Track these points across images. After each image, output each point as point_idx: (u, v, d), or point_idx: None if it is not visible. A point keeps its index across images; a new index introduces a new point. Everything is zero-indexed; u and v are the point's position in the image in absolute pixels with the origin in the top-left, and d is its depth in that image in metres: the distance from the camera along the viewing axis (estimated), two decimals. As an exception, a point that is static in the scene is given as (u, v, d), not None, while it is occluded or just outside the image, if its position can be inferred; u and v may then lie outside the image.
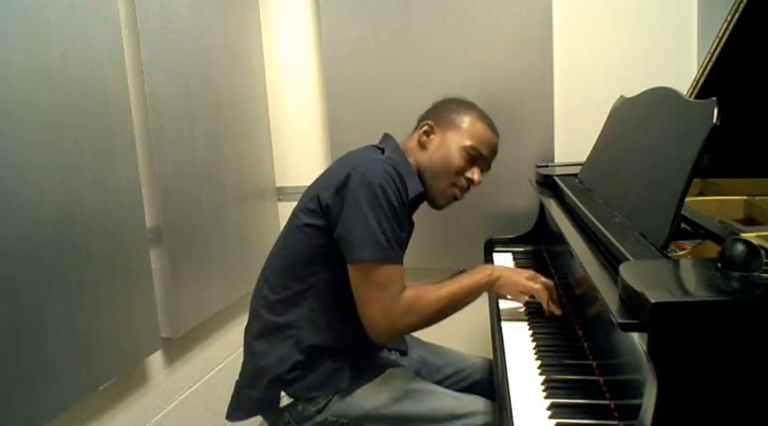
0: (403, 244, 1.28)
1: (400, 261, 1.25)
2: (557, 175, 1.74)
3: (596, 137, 1.64)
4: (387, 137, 1.46)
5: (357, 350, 1.35)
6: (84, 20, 1.38)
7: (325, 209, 1.27)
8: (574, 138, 2.10)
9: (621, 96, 1.62)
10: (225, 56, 2.01)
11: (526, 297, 1.39)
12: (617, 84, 1.76)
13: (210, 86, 1.92)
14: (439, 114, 1.46)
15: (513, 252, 1.89)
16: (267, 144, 2.32)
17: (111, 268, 1.45)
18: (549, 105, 2.08)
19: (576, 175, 1.66)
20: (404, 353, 1.53)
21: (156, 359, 1.72)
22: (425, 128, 1.45)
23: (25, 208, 1.23)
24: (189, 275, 1.78)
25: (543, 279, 1.37)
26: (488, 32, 2.08)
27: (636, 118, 1.41)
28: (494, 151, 1.47)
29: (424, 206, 1.47)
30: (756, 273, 0.77)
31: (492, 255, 1.88)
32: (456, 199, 1.46)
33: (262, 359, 1.33)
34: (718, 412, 0.74)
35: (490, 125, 1.47)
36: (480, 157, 1.43)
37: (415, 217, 1.49)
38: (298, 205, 1.37)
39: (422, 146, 1.44)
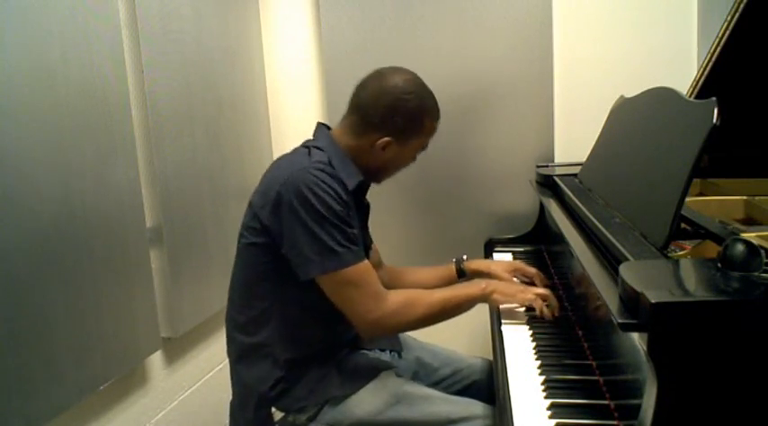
0: (357, 239, 1.25)
1: (362, 257, 1.24)
2: (557, 175, 1.74)
3: (596, 137, 1.64)
4: (319, 127, 1.40)
5: (341, 354, 1.34)
6: (84, 20, 1.38)
7: (266, 229, 1.25)
8: (574, 138, 2.10)
9: (621, 96, 1.62)
10: (225, 56, 2.01)
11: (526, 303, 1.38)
12: (617, 84, 1.76)
13: (210, 86, 1.92)
14: (397, 125, 1.31)
15: (513, 252, 1.89)
16: (267, 144, 2.32)
17: (112, 267, 1.45)
18: (549, 105, 2.08)
19: (576, 175, 1.66)
20: (399, 354, 1.52)
21: (156, 359, 1.72)
22: (381, 144, 1.32)
23: (25, 207, 1.22)
24: (189, 275, 1.78)
25: (536, 289, 1.38)
26: (488, 32, 2.08)
27: (636, 118, 1.41)
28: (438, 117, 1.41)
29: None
30: (756, 273, 0.77)
31: (492, 255, 1.88)
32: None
33: (245, 380, 1.32)
34: (717, 412, 0.74)
35: (438, 111, 1.38)
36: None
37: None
38: (243, 222, 1.33)
39: (373, 153, 1.34)
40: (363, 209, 1.44)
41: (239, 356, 1.34)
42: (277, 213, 1.22)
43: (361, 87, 1.35)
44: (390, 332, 1.44)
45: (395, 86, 1.32)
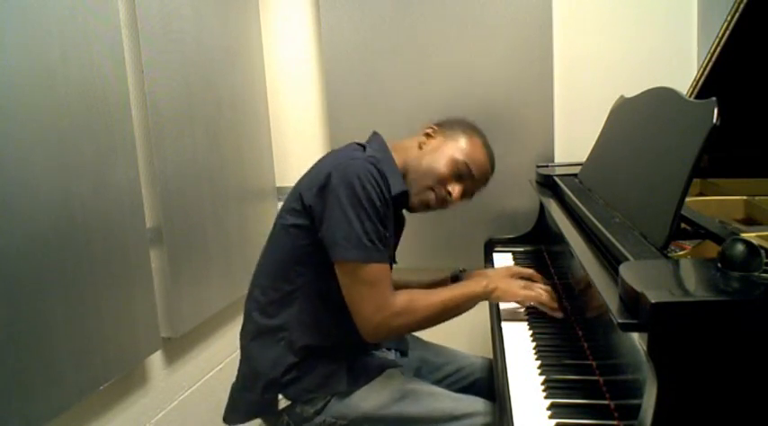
0: (387, 241, 1.27)
1: (386, 259, 1.26)
2: (557, 175, 1.74)
3: (596, 137, 1.64)
4: (374, 135, 1.45)
5: (352, 351, 1.35)
6: (84, 20, 1.38)
7: (308, 210, 1.27)
8: (574, 138, 2.10)
9: (621, 96, 1.62)
10: (225, 56, 2.01)
11: (529, 302, 1.38)
12: (617, 84, 1.76)
13: (210, 86, 1.92)
14: (446, 124, 1.45)
15: (513, 253, 1.89)
16: (267, 144, 2.32)
17: (111, 268, 1.45)
18: (549, 105, 2.08)
19: (576, 175, 1.66)
20: (404, 353, 1.53)
21: (156, 359, 1.72)
22: (428, 130, 1.44)
23: (25, 208, 1.23)
24: (189, 275, 1.78)
25: (539, 285, 1.37)
26: (488, 33, 2.08)
27: (636, 118, 1.41)
28: (483, 179, 1.44)
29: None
30: (756, 273, 0.77)
31: (492, 255, 1.88)
32: (429, 206, 1.41)
33: (256, 361, 1.33)
34: (717, 412, 0.74)
35: (489, 155, 1.45)
36: (468, 177, 1.40)
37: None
38: (283, 206, 1.37)
39: (419, 146, 1.43)
40: (399, 223, 1.46)
41: (254, 336, 1.35)
42: (322, 194, 1.24)
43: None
44: (392, 336, 1.43)
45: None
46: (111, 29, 1.47)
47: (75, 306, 1.34)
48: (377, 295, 1.23)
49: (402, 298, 1.26)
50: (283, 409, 1.31)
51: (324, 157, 1.39)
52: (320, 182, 1.25)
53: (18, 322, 1.21)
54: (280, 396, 1.31)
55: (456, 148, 1.40)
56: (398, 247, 1.50)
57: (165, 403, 1.77)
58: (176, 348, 1.82)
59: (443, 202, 1.41)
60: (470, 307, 1.35)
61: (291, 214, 1.31)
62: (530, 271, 1.52)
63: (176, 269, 1.72)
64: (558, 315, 1.33)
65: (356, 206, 1.21)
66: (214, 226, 1.92)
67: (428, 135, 1.44)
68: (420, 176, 1.39)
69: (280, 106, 2.35)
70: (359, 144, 1.42)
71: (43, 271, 1.26)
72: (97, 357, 1.41)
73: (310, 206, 1.26)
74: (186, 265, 1.77)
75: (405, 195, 1.37)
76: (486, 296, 1.35)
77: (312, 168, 1.37)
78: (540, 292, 1.34)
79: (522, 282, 1.38)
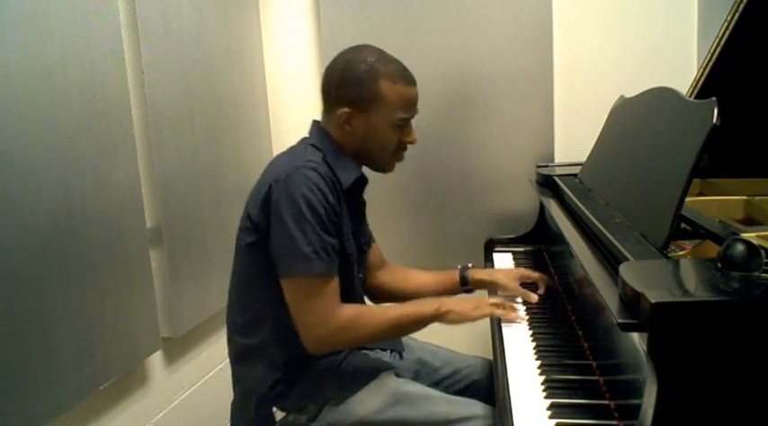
0: (334, 251, 1.23)
1: (332, 270, 1.22)
2: (557, 175, 1.74)
3: (596, 137, 1.64)
4: (314, 124, 1.37)
5: (341, 355, 1.34)
6: (85, 20, 1.38)
7: (256, 226, 1.25)
8: (574, 138, 2.10)
9: (621, 96, 1.62)
10: (225, 56, 2.01)
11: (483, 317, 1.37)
12: (617, 84, 1.76)
13: (210, 86, 1.92)
14: (350, 93, 1.28)
15: (513, 253, 1.89)
16: (267, 144, 2.32)
17: (111, 268, 1.45)
18: (549, 105, 2.08)
19: (576, 175, 1.66)
20: (400, 355, 1.52)
21: (156, 359, 1.72)
22: (344, 118, 1.28)
23: (25, 207, 1.22)
24: (189, 275, 1.78)
25: (489, 300, 1.40)
26: (488, 32, 2.08)
27: (636, 118, 1.41)
28: (417, 101, 1.34)
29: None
30: (756, 273, 0.77)
31: (492, 255, 1.88)
32: (400, 160, 1.39)
33: (245, 381, 1.33)
34: (718, 412, 0.74)
35: (406, 77, 1.31)
36: (410, 118, 1.33)
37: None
38: (239, 224, 1.33)
39: (348, 132, 1.31)
40: (358, 207, 1.43)
41: (238, 357, 1.34)
42: (265, 210, 1.22)
43: (325, 70, 1.35)
44: (337, 348, 1.36)
45: (344, 58, 1.32)
46: (111, 29, 1.47)
47: (75, 305, 1.34)
48: (321, 307, 1.20)
49: (348, 312, 1.23)
50: (279, 421, 1.31)
51: (268, 165, 1.34)
52: (262, 197, 1.22)
53: (18, 321, 1.20)
54: (275, 409, 1.30)
55: (384, 112, 1.28)
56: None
57: (165, 403, 1.76)
58: (176, 348, 1.82)
59: (406, 148, 1.37)
60: (422, 327, 1.32)
61: (244, 232, 1.29)
62: (537, 275, 1.54)
63: (176, 269, 1.72)
64: (514, 315, 1.37)
65: (299, 219, 1.17)
66: (214, 225, 1.92)
67: (347, 121, 1.30)
68: (377, 156, 1.34)
69: (280, 106, 2.35)
70: (302, 142, 1.35)
71: (43, 271, 1.26)
72: (97, 357, 1.41)
73: (257, 223, 1.24)
74: (186, 265, 1.77)
75: (361, 179, 1.33)
76: (438, 318, 1.31)
77: (259, 179, 1.32)
78: (491, 310, 1.35)
79: (475, 301, 1.36)
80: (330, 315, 1.21)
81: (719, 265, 0.80)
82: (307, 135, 1.38)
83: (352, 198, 1.35)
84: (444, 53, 2.11)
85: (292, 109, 2.35)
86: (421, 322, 1.31)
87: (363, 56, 1.30)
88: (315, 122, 1.38)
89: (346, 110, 1.28)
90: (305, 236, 1.17)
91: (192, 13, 1.82)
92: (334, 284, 1.23)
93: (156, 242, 1.66)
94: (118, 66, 1.49)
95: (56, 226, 1.29)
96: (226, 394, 1.41)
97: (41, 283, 1.26)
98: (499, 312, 1.35)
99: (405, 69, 1.33)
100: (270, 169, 1.31)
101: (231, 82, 2.04)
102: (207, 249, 1.88)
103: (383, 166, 1.37)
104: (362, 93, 1.28)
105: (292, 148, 1.36)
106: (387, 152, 1.34)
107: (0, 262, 1.17)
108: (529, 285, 1.54)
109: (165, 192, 1.67)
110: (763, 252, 0.78)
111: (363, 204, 1.45)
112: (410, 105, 1.32)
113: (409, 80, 1.32)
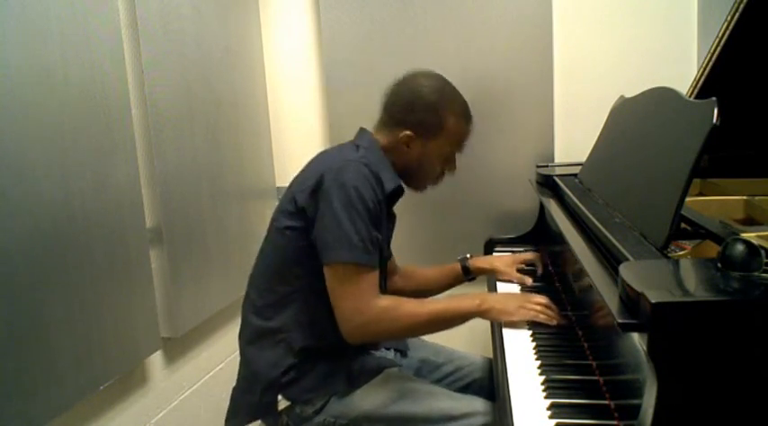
0: (378, 244, 1.27)
1: (375, 262, 1.25)
2: (557, 175, 1.74)
3: (596, 137, 1.64)
4: (362, 131, 1.43)
5: (350, 351, 1.34)
6: (85, 20, 1.38)
7: (302, 211, 1.27)
8: (574, 138, 2.10)
9: (621, 96, 1.62)
10: (225, 56, 2.01)
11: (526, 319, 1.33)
12: (617, 84, 1.76)
13: (210, 86, 1.92)
14: (416, 119, 1.36)
15: (513, 253, 1.88)
16: (267, 144, 2.32)
17: (111, 268, 1.45)
18: (548, 105, 2.08)
19: (576, 175, 1.66)
20: (404, 354, 1.53)
21: (156, 359, 1.72)
22: (404, 139, 1.36)
23: (25, 207, 1.22)
24: (189, 275, 1.78)
25: (536, 298, 1.33)
26: (488, 32, 2.08)
27: (636, 118, 1.41)
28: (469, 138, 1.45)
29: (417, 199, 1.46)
30: (756, 273, 0.77)
31: (492, 255, 1.88)
32: (435, 185, 1.48)
33: (255, 364, 1.33)
34: (718, 412, 0.74)
35: (468, 115, 1.41)
36: (460, 152, 1.45)
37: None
38: (277, 207, 1.36)
39: (404, 152, 1.38)
40: (391, 219, 1.45)
41: (252, 339, 1.35)
42: (315, 196, 1.24)
43: (391, 87, 1.41)
44: (372, 340, 1.39)
45: (416, 82, 1.38)
46: (111, 29, 1.47)
47: (75, 306, 1.34)
48: (360, 296, 1.22)
49: (386, 303, 1.25)
50: (283, 410, 1.31)
51: (316, 157, 1.39)
52: (313, 184, 1.25)
53: (18, 322, 1.20)
54: (279, 397, 1.31)
55: (442, 143, 1.38)
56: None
57: (165, 403, 1.76)
58: (176, 348, 1.82)
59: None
60: (460, 324, 1.31)
61: (286, 216, 1.31)
62: (531, 256, 1.59)
63: (176, 269, 1.72)
64: (558, 322, 1.30)
65: (349, 208, 1.20)
66: (214, 226, 1.92)
67: (406, 143, 1.37)
68: (421, 178, 1.43)
69: (280, 106, 2.35)
70: (351, 142, 1.40)
71: (43, 272, 1.26)
72: (97, 357, 1.40)
73: (303, 207, 1.26)
74: (186, 265, 1.77)
75: (399, 190, 1.37)
76: (479, 314, 1.31)
77: (304, 168, 1.37)
78: (536, 311, 1.30)
79: (518, 302, 1.33)
80: (368, 303, 1.23)
81: (719, 265, 0.80)
82: (352, 139, 1.42)
83: (387, 206, 1.38)
84: (444, 53, 2.11)
85: (292, 109, 2.35)
86: (460, 317, 1.31)
87: (435, 85, 1.38)
88: (363, 130, 1.43)
89: (408, 133, 1.36)
90: (354, 225, 1.20)
91: (192, 13, 1.82)
92: (375, 276, 1.25)
93: (156, 242, 1.66)
94: (118, 66, 1.49)
95: (55, 226, 1.29)
96: (226, 394, 1.41)
97: (41, 283, 1.26)
98: (542, 317, 1.30)
99: (468, 107, 1.42)
100: (320, 159, 1.36)
101: (231, 82, 2.04)
102: (207, 249, 1.88)
103: (419, 187, 1.45)
104: (428, 121, 1.36)
105: (341, 146, 1.41)
106: (430, 177, 1.44)
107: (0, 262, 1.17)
108: (526, 271, 1.61)
109: (164, 192, 1.67)
110: (763, 252, 0.78)
111: (394, 217, 1.48)
112: (465, 141, 1.43)
113: (470, 118, 1.42)
